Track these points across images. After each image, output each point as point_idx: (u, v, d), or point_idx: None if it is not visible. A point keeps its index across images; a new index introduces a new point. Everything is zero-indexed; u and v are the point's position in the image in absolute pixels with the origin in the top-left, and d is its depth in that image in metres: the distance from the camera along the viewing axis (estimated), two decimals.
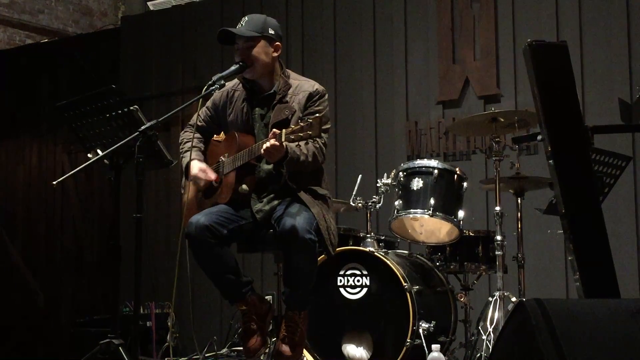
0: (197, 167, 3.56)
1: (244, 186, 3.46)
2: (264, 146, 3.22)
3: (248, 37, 3.47)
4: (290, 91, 3.52)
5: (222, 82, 3.38)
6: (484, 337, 3.94)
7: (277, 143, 3.18)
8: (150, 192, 6.75)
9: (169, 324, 5.68)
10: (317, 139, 3.31)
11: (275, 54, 3.54)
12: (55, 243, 7.81)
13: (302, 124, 3.12)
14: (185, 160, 3.62)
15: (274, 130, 3.23)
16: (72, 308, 7.49)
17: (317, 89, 3.53)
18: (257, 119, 3.56)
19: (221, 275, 3.44)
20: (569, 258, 2.50)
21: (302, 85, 3.54)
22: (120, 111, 3.55)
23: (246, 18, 3.54)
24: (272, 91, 3.54)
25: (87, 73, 7.57)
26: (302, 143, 3.24)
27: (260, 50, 3.49)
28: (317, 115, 3.17)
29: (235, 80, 3.62)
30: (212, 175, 3.54)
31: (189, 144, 3.65)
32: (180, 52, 6.92)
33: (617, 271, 2.47)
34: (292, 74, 3.62)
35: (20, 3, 8.97)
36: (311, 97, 3.49)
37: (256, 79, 3.55)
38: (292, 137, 3.13)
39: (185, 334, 5.86)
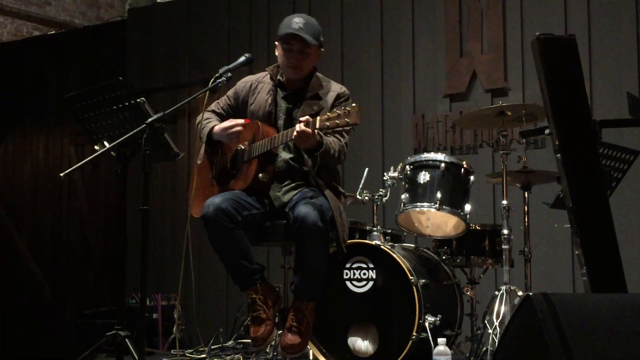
0: (223, 124, 3.58)
1: (264, 174, 3.48)
2: (297, 128, 3.22)
3: (310, 44, 3.53)
4: (321, 91, 3.59)
5: (229, 74, 3.39)
6: (490, 331, 3.94)
7: (308, 129, 3.20)
8: (157, 184, 6.76)
9: (175, 316, 5.70)
10: (341, 138, 3.40)
11: (317, 60, 3.61)
12: (62, 235, 7.84)
13: (338, 111, 3.14)
14: (207, 129, 3.63)
15: (307, 117, 3.25)
16: (78, 300, 7.52)
17: (344, 90, 3.65)
18: (283, 111, 3.59)
19: (234, 259, 3.45)
20: (576, 252, 2.50)
21: (330, 86, 3.65)
22: (127, 103, 3.55)
23: (302, 19, 3.55)
24: (303, 87, 3.59)
25: (93, 65, 7.58)
26: (332, 139, 3.27)
27: (313, 57, 3.60)
28: (355, 104, 3.17)
29: (263, 73, 3.67)
30: (241, 121, 3.55)
31: (206, 121, 3.69)
32: (187, 44, 6.92)
33: (624, 265, 2.46)
34: (321, 75, 3.70)
35: None
36: (339, 98, 3.61)
37: (296, 78, 3.60)
38: (328, 123, 3.15)
39: (191, 326, 5.88)
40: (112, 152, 3.56)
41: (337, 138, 3.47)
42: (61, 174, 3.27)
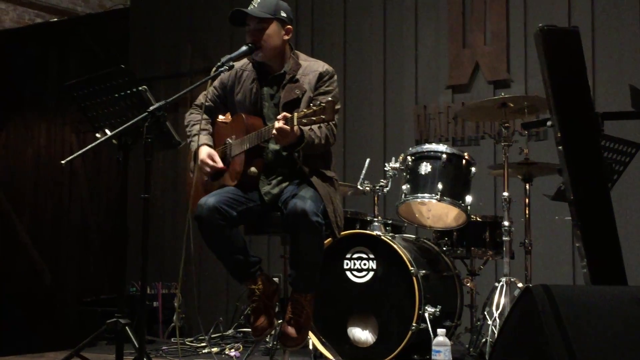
0: (205, 152, 3.54)
1: (253, 169, 3.45)
2: (276, 125, 3.20)
3: (260, 19, 3.46)
4: (300, 71, 3.51)
5: (231, 63, 3.37)
6: (490, 322, 3.95)
7: (287, 127, 3.17)
8: (158, 173, 6.77)
9: (175, 304, 5.71)
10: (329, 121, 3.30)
11: (286, 37, 3.53)
12: (63, 222, 7.84)
13: (314, 107, 3.09)
14: (194, 145, 3.61)
15: (285, 113, 3.21)
16: (78, 287, 7.53)
17: (327, 69, 3.53)
18: (267, 98, 3.55)
19: (230, 256, 3.44)
20: (577, 244, 2.49)
21: (311, 66, 3.54)
22: (129, 91, 3.54)
23: None
24: (282, 71, 3.53)
25: (96, 53, 7.57)
26: (315, 126, 3.23)
27: (272, 33, 3.48)
28: (330, 99, 3.15)
29: (245, 60, 3.60)
30: (220, 164, 3.54)
31: (197, 127, 3.64)
32: (190, 32, 6.91)
33: (625, 258, 2.46)
34: (301, 55, 3.62)
35: None
36: (321, 77, 3.49)
37: (266, 61, 3.54)
38: (305, 120, 3.11)
39: (191, 314, 5.89)
40: (114, 140, 3.55)
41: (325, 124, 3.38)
42: (62, 162, 3.26)
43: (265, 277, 3.54)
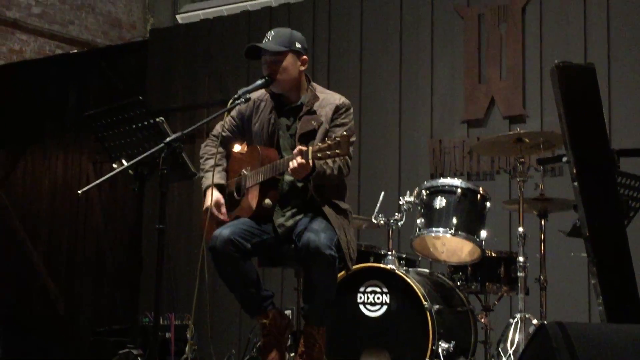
0: (213, 200, 3.56)
1: (268, 201, 3.46)
2: (291, 166, 3.22)
3: (275, 52, 3.49)
4: (317, 103, 3.53)
5: (248, 96, 3.40)
6: (504, 359, 3.91)
7: (303, 161, 3.18)
8: (173, 204, 6.78)
9: (188, 335, 5.68)
10: None
11: (302, 68, 3.56)
12: (78, 251, 7.86)
13: (329, 142, 3.11)
14: (206, 183, 3.62)
15: (300, 147, 3.22)
16: (91, 316, 7.53)
17: (343, 101, 3.55)
18: (283, 129, 3.57)
19: (243, 289, 3.44)
20: (592, 282, 2.47)
21: (328, 98, 3.56)
22: (146, 122, 3.58)
23: (272, 32, 3.56)
24: (299, 103, 3.56)
25: (114, 84, 7.64)
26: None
27: (288, 64, 3.50)
28: (345, 132, 3.16)
29: (262, 91, 3.63)
30: (224, 216, 3.56)
31: (210, 162, 3.65)
32: (207, 65, 6.97)
33: None
34: (318, 87, 3.64)
35: (51, 14, 9.11)
36: (338, 110, 3.51)
37: (283, 92, 3.56)
38: (320, 155, 3.13)
39: (204, 346, 5.85)
40: (130, 171, 3.58)
41: None
42: (79, 191, 3.29)
43: (276, 311, 3.52)
